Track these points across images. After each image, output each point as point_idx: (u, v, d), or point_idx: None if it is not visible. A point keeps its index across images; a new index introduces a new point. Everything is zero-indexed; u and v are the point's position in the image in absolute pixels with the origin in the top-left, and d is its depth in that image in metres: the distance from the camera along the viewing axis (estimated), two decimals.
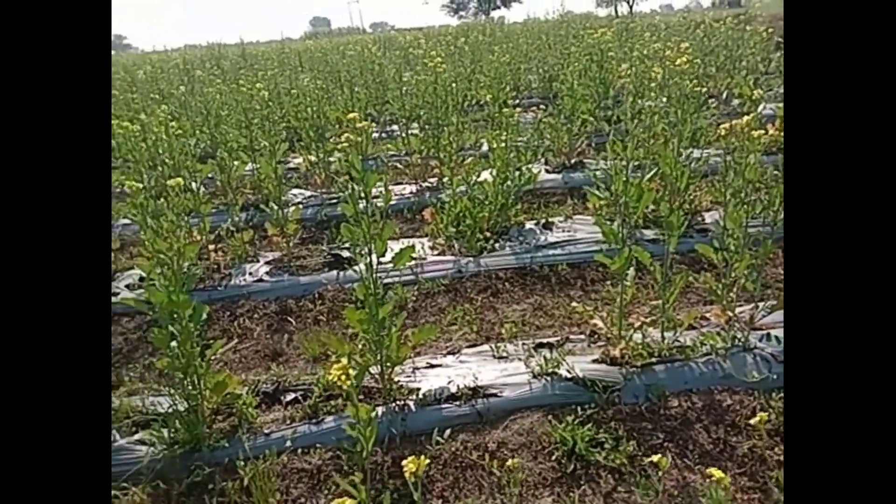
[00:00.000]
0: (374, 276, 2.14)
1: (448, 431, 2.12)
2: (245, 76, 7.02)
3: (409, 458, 1.36)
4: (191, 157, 3.80)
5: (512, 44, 9.48)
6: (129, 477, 2.04)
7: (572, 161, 4.92)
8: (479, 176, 3.91)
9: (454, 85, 5.06)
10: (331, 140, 4.70)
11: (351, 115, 1.99)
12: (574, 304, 2.93)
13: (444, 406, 2.23)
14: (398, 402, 2.24)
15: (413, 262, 3.32)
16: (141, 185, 1.90)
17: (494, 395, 2.25)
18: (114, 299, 3.29)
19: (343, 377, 2.01)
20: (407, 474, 1.31)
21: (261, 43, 22.72)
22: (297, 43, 19.80)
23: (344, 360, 2.22)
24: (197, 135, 4.92)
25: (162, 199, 2.62)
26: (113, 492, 2.01)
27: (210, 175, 4.12)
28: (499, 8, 43.30)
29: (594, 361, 2.34)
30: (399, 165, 5.27)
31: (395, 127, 6.53)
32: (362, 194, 2.09)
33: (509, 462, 1.85)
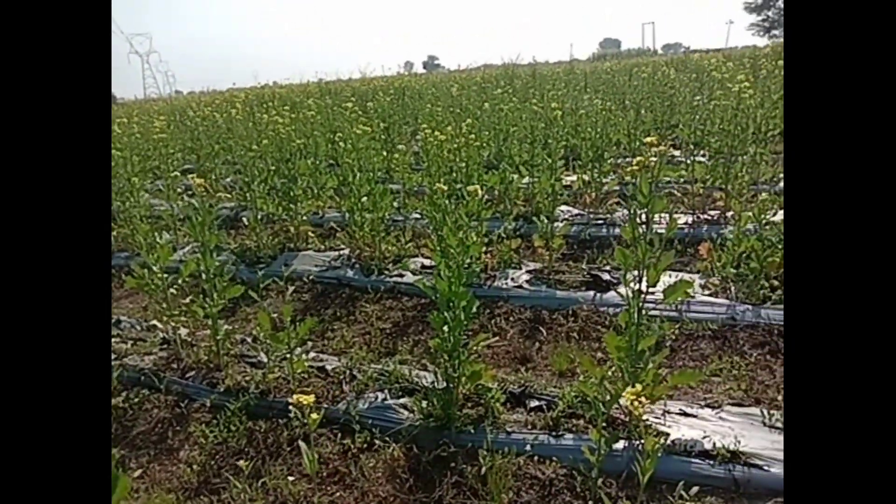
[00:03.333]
0: (639, 304, 2.07)
1: (694, 489, 1.92)
2: (534, 95, 7.45)
3: None
4: (480, 167, 4.20)
5: None
6: (391, 434, 2.36)
7: None
8: (773, 215, 3.43)
9: (759, 112, 4.53)
10: (609, 161, 4.67)
11: (648, 139, 1.95)
12: None
13: (693, 460, 2.03)
14: (643, 441, 2.12)
15: (679, 299, 3.10)
16: (445, 188, 2.18)
17: (759, 466, 1.96)
18: (400, 280, 3.85)
19: (594, 398, 2.00)
20: None
21: (549, 63, 23.83)
22: (584, 64, 20.18)
23: (593, 382, 2.21)
24: (487, 147, 5.41)
25: (452, 201, 2.96)
26: (377, 441, 2.36)
27: (490, 185, 4.50)
28: None
29: None
30: (676, 192, 4.97)
31: (676, 153, 6.23)
32: (641, 219, 2.04)
33: None
